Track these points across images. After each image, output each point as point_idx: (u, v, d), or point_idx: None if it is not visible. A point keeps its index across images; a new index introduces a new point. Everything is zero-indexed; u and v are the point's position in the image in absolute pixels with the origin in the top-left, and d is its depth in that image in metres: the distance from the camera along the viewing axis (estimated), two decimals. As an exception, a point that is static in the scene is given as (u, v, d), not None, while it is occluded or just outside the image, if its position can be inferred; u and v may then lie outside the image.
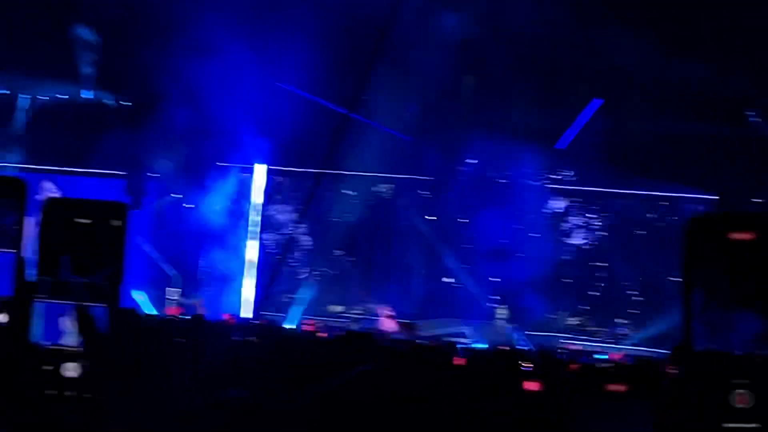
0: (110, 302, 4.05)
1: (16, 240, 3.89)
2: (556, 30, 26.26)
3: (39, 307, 3.84)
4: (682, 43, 25.03)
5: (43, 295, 3.86)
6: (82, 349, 3.93)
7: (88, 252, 3.30)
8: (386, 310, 26.54)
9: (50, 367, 3.92)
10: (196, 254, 29.10)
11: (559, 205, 29.63)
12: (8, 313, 4.00)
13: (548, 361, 9.59)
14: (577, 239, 29.64)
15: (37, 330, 4.04)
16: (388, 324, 24.67)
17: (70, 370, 3.89)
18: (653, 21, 25.20)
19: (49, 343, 4.07)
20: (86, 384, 3.89)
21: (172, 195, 29.34)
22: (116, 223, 3.68)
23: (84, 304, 3.83)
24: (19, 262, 3.96)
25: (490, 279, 28.65)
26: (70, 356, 3.94)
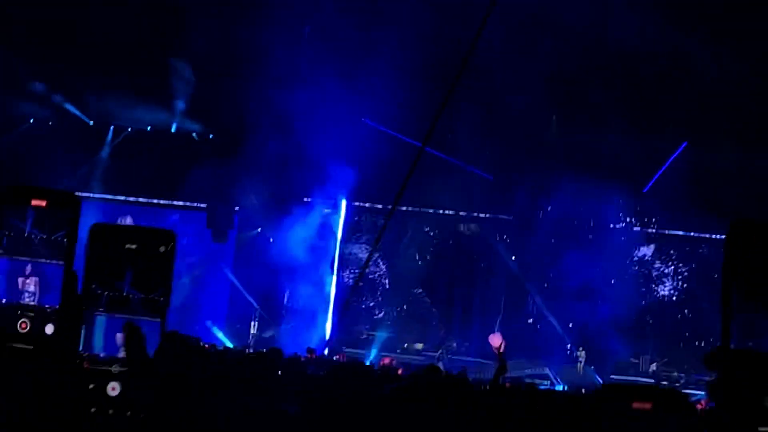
0: (162, 319, 4.09)
1: (67, 253, 3.92)
2: (646, 68, 26.04)
3: (93, 319, 3.89)
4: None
5: (100, 308, 3.96)
6: (126, 366, 3.95)
7: (141, 272, 3.29)
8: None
9: (95, 386, 3.92)
10: (279, 288, 29.10)
11: (644, 248, 29.27)
12: (55, 324, 4.00)
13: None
14: (663, 283, 29.24)
15: (90, 341, 4.03)
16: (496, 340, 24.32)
17: (114, 388, 3.90)
18: (743, 62, 24.89)
19: (104, 354, 4.05)
20: (127, 402, 3.89)
21: (257, 229, 29.38)
22: (165, 248, 3.73)
23: (135, 318, 3.87)
24: (69, 275, 3.99)
25: (572, 321, 28.32)
26: (115, 375, 3.94)
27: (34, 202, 3.59)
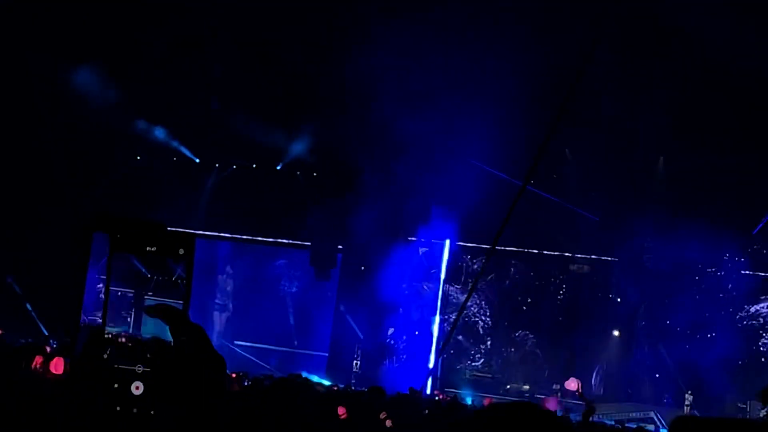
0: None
1: (186, 295, 3.96)
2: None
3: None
4: None
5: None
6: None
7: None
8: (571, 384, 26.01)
9: (119, 385, 3.95)
10: (383, 326, 29.17)
11: (753, 292, 28.67)
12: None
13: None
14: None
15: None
16: (552, 404, 24.07)
17: (138, 387, 3.93)
18: None
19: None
20: (150, 401, 3.91)
21: (360, 267, 29.45)
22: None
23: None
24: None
25: (680, 364, 27.83)
26: (138, 375, 3.96)
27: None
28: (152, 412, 3.83)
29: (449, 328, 28.78)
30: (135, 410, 3.86)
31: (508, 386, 29.09)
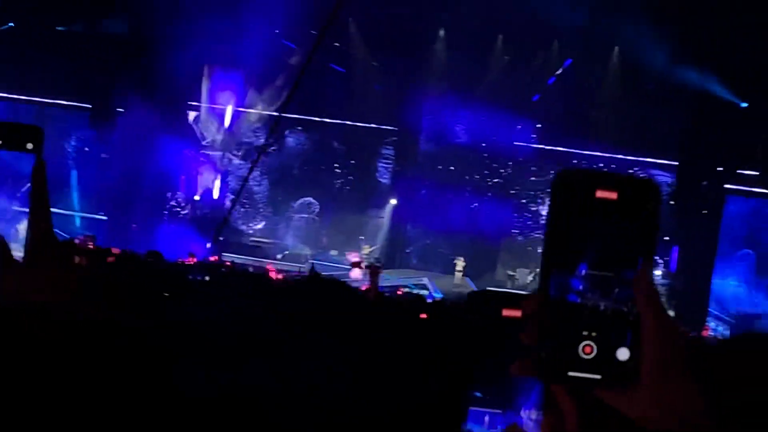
0: None
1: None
2: None
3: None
4: None
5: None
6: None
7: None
8: (354, 257, 26.74)
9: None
10: (163, 191, 28.85)
11: (525, 163, 29.66)
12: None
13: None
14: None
15: None
16: (355, 273, 24.74)
17: None
18: None
19: None
20: None
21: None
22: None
23: None
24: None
25: (451, 232, 28.70)
26: None
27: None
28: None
29: (231, 197, 28.84)
30: None
31: (287, 252, 29.47)
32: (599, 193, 1.18)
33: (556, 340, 1.15)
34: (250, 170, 25.35)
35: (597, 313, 1.15)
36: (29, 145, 1.40)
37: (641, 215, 1.18)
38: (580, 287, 1.15)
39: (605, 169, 1.25)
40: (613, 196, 1.18)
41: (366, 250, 28.48)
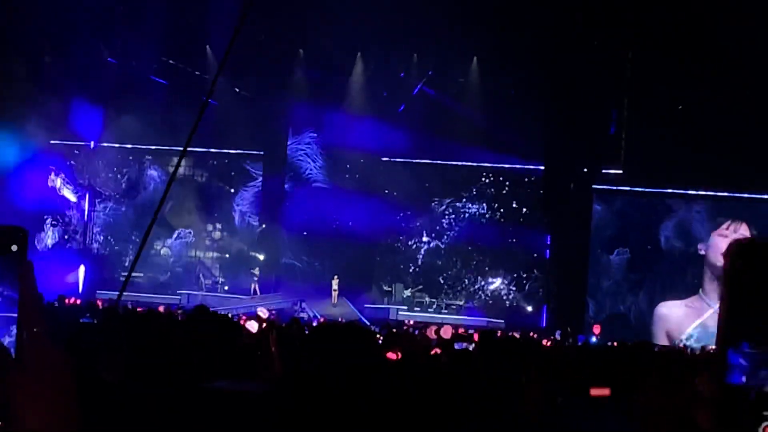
0: None
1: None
2: None
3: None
4: None
5: None
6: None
7: None
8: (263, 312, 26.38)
9: None
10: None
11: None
12: None
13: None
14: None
15: None
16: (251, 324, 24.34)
17: None
18: None
19: None
20: None
21: None
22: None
23: None
24: None
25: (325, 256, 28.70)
26: None
27: None
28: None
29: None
30: None
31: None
32: None
33: (736, 425, 1.06)
34: (154, 217, 24.82)
35: None
36: (14, 247, 1.22)
37: None
38: (756, 365, 1.05)
39: None
40: None
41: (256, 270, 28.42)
